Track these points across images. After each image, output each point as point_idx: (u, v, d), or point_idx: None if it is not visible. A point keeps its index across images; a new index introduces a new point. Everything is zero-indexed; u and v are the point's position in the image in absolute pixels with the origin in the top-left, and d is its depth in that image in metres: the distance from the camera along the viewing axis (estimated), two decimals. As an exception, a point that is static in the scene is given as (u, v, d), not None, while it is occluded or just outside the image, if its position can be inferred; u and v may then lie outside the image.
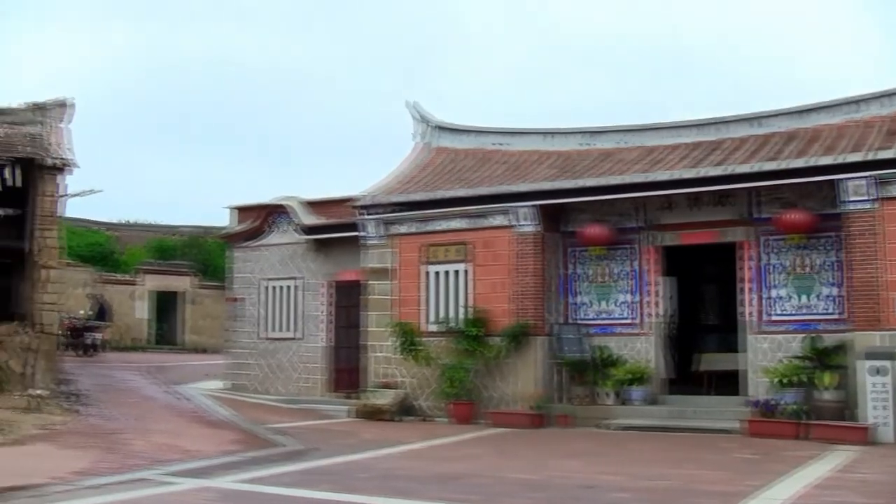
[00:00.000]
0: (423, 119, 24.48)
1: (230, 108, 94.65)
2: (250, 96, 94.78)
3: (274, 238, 25.49)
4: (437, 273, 21.32)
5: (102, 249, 47.63)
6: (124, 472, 12.04)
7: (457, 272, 21.07)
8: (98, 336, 34.73)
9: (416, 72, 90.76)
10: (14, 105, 25.42)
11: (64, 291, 22.09)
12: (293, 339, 24.84)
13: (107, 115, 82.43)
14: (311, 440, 16.19)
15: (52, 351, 21.02)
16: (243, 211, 26.98)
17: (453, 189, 21.47)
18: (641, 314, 20.11)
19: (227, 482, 11.55)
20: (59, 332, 23.92)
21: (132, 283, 43.80)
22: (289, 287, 25.05)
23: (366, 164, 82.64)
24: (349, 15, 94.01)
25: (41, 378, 20.50)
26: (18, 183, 20.72)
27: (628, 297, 20.34)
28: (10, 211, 23.63)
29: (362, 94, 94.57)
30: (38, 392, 19.61)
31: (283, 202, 25.21)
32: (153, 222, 56.15)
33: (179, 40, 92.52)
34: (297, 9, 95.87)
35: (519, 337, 20.00)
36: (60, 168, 21.33)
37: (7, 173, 20.70)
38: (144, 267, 44.91)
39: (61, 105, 24.83)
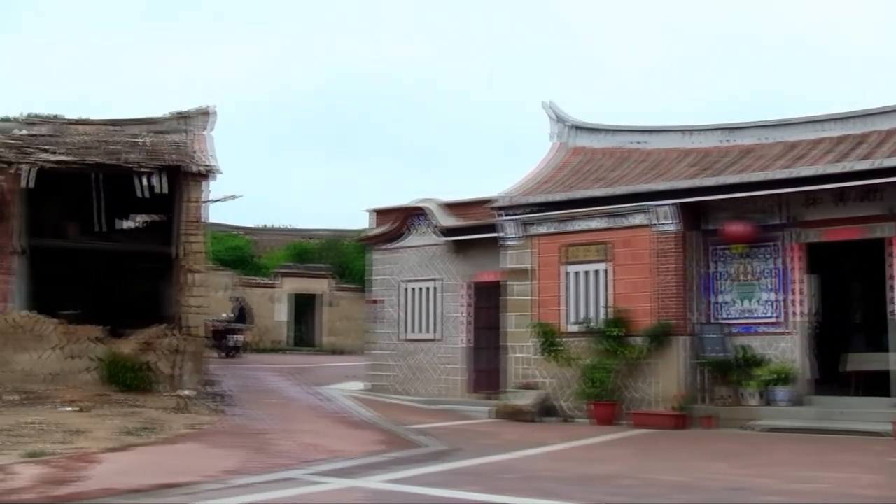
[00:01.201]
0: (560, 119, 24.34)
1: (365, 113, 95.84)
2: (385, 101, 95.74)
3: (413, 240, 25.63)
4: (576, 273, 21.16)
5: (242, 253, 48.56)
6: (272, 472, 12.20)
7: (596, 272, 20.87)
8: (239, 338, 35.48)
9: (548, 72, 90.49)
10: (159, 115, 26.22)
11: (207, 295, 22.55)
12: (433, 340, 24.94)
13: (245, 121, 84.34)
14: (454, 441, 16.19)
15: (199, 353, 21.52)
16: (382, 214, 27.21)
17: (592, 189, 21.29)
18: (785, 313, 19.60)
19: (373, 482, 11.60)
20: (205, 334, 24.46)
21: (271, 286, 44.58)
22: (428, 289, 25.16)
23: (501, 166, 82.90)
24: (478, 18, 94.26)
25: (188, 379, 21.02)
26: (165, 189, 21.27)
27: (771, 296, 19.85)
28: (156, 217, 24.34)
29: (495, 96, 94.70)
30: (186, 393, 20.14)
31: (422, 204, 25.32)
32: (290, 226, 57.06)
33: (316, 47, 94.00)
34: (426, 15, 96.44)
35: (660, 337, 19.73)
36: (205, 174, 21.85)
37: (154, 180, 21.27)
38: (283, 270, 45.65)
39: (204, 113, 25.53)
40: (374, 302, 26.55)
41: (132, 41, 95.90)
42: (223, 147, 23.85)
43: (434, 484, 11.37)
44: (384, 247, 26.41)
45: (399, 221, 25.94)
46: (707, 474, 12.76)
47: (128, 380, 20.36)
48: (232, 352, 34.59)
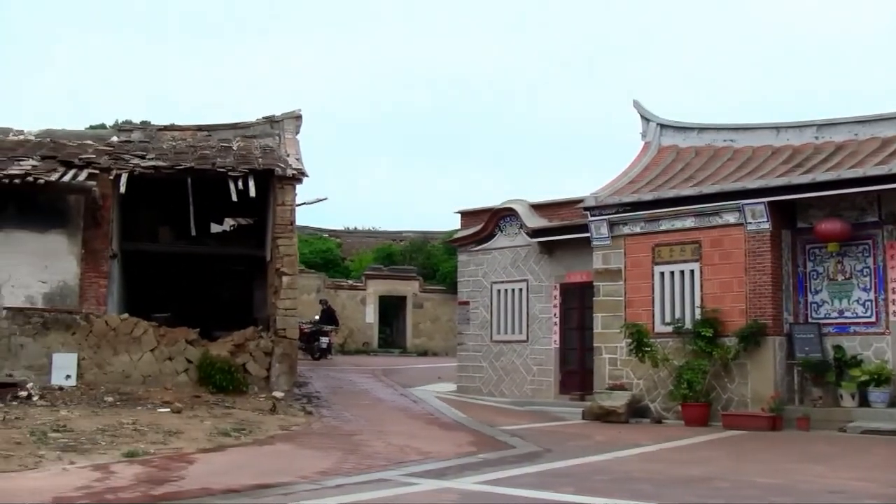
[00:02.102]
0: (648, 118, 24.16)
1: (452, 114, 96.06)
2: (471, 101, 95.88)
3: (501, 241, 25.62)
4: (666, 273, 20.99)
5: (330, 256, 48.89)
6: (365, 473, 12.27)
7: (687, 272, 20.68)
8: (328, 340, 35.74)
9: (635, 71, 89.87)
10: (249, 120, 26.54)
11: (298, 297, 22.76)
12: (522, 341, 24.88)
13: (333, 124, 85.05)
14: (545, 442, 16.13)
15: (291, 355, 21.70)
16: (470, 215, 27.24)
17: (682, 188, 21.09)
18: (883, 313, 19.21)
19: (466, 483, 11.61)
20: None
21: (359, 289, 44.82)
22: (517, 290, 25.10)
23: (588, 167, 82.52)
24: (564, 17, 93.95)
25: (280, 381, 21.23)
26: (254, 193, 21.50)
27: (867, 295, 19.48)
28: (247, 221, 24.65)
29: (581, 96, 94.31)
30: (278, 394, 20.34)
31: (511, 205, 25.29)
32: (377, 228, 57.37)
33: (402, 49, 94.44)
34: (508, 16, 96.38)
35: (753, 337, 19.46)
36: (295, 178, 22.03)
37: (245, 184, 21.53)
38: (370, 272, 45.87)
39: (293, 117, 25.79)
40: (464, 303, 26.58)
41: (214, 47, 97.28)
42: (311, 150, 24.02)
43: (527, 485, 11.34)
44: (473, 248, 26.44)
45: (488, 223, 25.94)
46: (804, 476, 12.55)
47: (221, 381, 20.62)
48: (320, 354, 34.87)
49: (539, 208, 25.25)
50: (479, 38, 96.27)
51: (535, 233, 24.47)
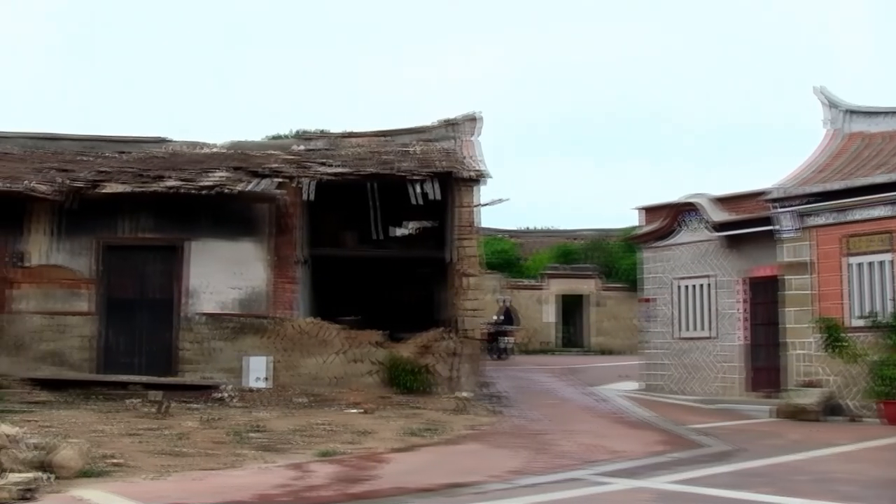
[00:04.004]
0: (833, 104, 23.33)
1: (627, 108, 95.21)
2: (645, 95, 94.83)
3: (683, 236, 25.18)
4: (858, 265, 20.20)
5: (508, 256, 48.93)
6: (556, 472, 12.24)
7: (881, 263, 19.87)
8: (510, 340, 35.83)
9: (808, 58, 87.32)
10: (427, 123, 26.82)
11: (480, 298, 22.86)
12: (708, 338, 24.38)
13: (507, 125, 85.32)
14: (736, 441, 15.75)
15: (476, 355, 21.85)
16: (650, 211, 26.88)
17: (873, 175, 20.30)
18: None
19: (659, 483, 11.46)
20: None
21: (538, 288, 44.81)
22: (701, 285, 24.61)
23: (769, 158, 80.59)
24: (732, 11, 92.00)
25: (466, 381, 21.38)
26: (437, 196, 21.70)
27: None
28: (428, 223, 24.89)
29: (757, 85, 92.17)
30: (464, 394, 20.47)
31: (693, 200, 24.81)
32: (554, 227, 57.20)
33: (573, 48, 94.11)
34: (684, 4, 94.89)
35: (959, 330, 18.61)
36: (475, 180, 22.16)
37: (427, 187, 21.74)
38: (549, 271, 45.78)
39: (471, 120, 25.92)
40: (647, 301, 26.23)
41: (385, 50, 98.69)
42: (486, 151, 24.07)
43: (722, 485, 11.11)
44: (654, 244, 26.07)
45: (669, 218, 25.52)
46: None
47: (407, 382, 20.92)
48: (502, 354, 34.98)
49: (721, 202, 24.67)
50: (649, 30, 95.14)
51: (718, 227, 23.94)
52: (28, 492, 9.61)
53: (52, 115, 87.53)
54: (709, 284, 24.43)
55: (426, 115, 54.68)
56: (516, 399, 22.06)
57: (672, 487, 11.17)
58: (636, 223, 28.10)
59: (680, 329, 25.18)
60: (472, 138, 25.48)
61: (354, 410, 18.70)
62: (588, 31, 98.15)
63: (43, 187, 21.20)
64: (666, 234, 25.60)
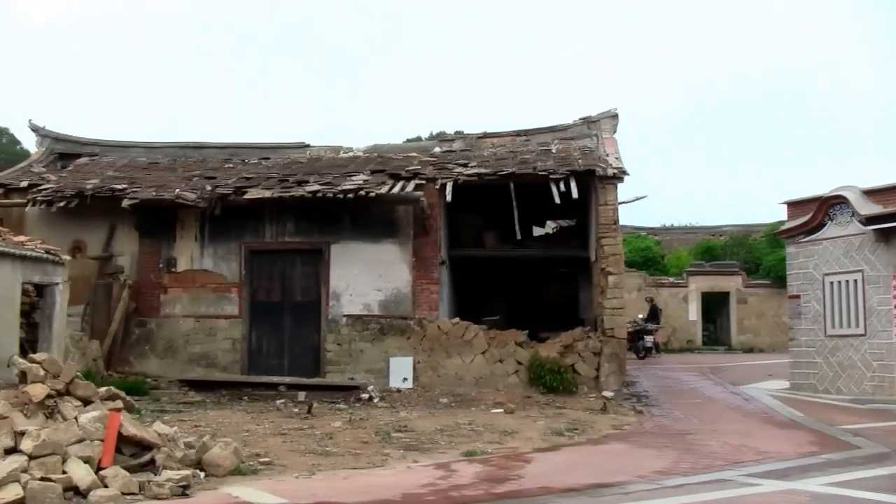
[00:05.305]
0: None
1: (765, 103, 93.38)
2: (784, 89, 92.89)
3: (831, 231, 24.45)
4: None
5: (649, 254, 48.52)
6: (703, 473, 12.06)
7: None
8: (652, 339, 35.48)
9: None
10: (566, 122, 26.77)
11: (623, 296, 22.67)
12: (859, 335, 23.60)
13: (648, 120, 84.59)
14: (892, 443, 15.18)
15: (619, 354, 21.70)
16: (796, 206, 26.19)
17: None
18: None
19: (812, 485, 11.16)
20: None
21: (681, 286, 44.28)
22: (851, 281, 23.89)
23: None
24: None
25: (609, 380, 21.27)
26: (576, 195, 21.61)
27: None
28: (568, 222, 24.82)
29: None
30: (608, 394, 20.33)
31: (841, 192, 24.09)
32: (695, 224, 56.50)
33: (708, 43, 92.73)
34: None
35: None
36: (616, 177, 22.02)
37: (566, 186, 21.68)
38: (692, 269, 45.21)
39: (609, 117, 25.79)
40: (794, 297, 25.60)
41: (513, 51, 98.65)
42: (626, 148, 23.99)
43: (881, 489, 10.81)
44: (801, 240, 25.39)
45: (816, 212, 24.82)
46: None
47: (550, 382, 20.90)
48: (646, 352, 34.66)
49: (871, 194, 23.87)
50: (787, 22, 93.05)
51: (869, 220, 23.19)
52: (183, 489, 9.92)
53: (196, 125, 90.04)
54: (859, 280, 23.67)
55: (564, 114, 54.58)
56: (660, 398, 21.80)
57: (826, 490, 10.86)
58: (781, 218, 27.45)
59: (829, 326, 24.48)
60: (611, 135, 25.33)
61: (497, 410, 18.75)
62: (726, 24, 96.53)
63: (190, 195, 21.85)
64: (813, 229, 24.91)
